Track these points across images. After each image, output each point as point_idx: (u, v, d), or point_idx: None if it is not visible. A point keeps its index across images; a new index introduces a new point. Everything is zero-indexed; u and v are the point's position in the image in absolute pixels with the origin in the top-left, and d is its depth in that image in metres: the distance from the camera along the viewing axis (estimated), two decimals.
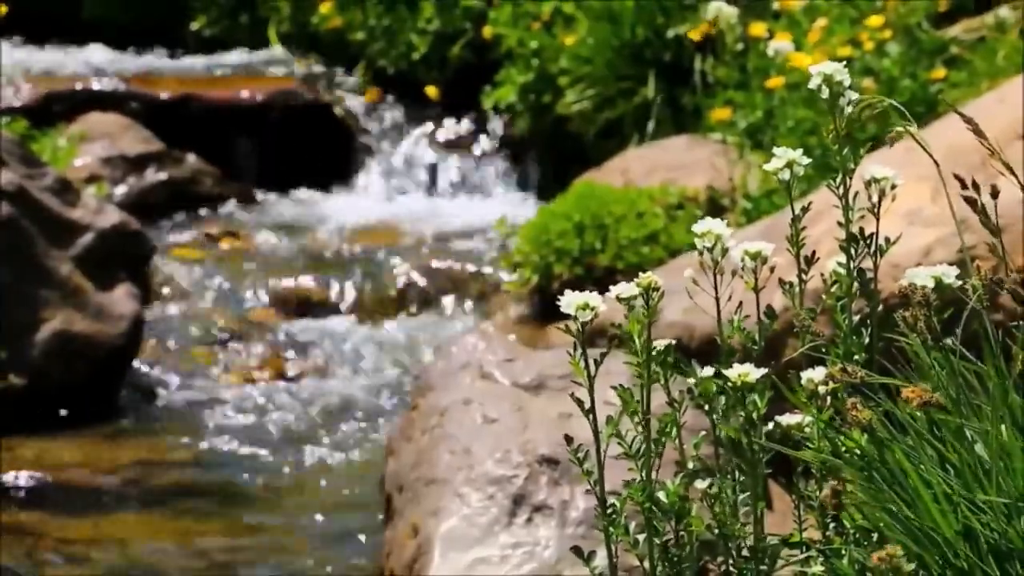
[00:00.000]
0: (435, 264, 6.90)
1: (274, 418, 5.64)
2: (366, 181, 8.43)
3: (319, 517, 4.84)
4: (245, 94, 8.56)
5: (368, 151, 8.53)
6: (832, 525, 2.17)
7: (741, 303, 2.25)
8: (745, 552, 2.28)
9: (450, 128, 8.59)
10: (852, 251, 2.26)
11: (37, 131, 7.66)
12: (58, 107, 8.12)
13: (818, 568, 2.16)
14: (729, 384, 2.22)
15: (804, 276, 2.26)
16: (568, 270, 6.09)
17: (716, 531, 2.27)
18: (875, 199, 2.27)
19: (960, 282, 2.10)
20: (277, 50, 9.46)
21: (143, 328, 5.85)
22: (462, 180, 8.36)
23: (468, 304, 6.67)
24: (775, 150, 2.28)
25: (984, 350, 2.00)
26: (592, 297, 2.22)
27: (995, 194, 2.08)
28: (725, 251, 2.24)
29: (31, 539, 4.63)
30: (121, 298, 5.75)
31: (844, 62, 2.25)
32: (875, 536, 1.98)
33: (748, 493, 2.27)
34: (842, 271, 2.27)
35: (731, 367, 2.23)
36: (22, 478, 5.03)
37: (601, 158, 7.12)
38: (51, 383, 5.49)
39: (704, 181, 6.42)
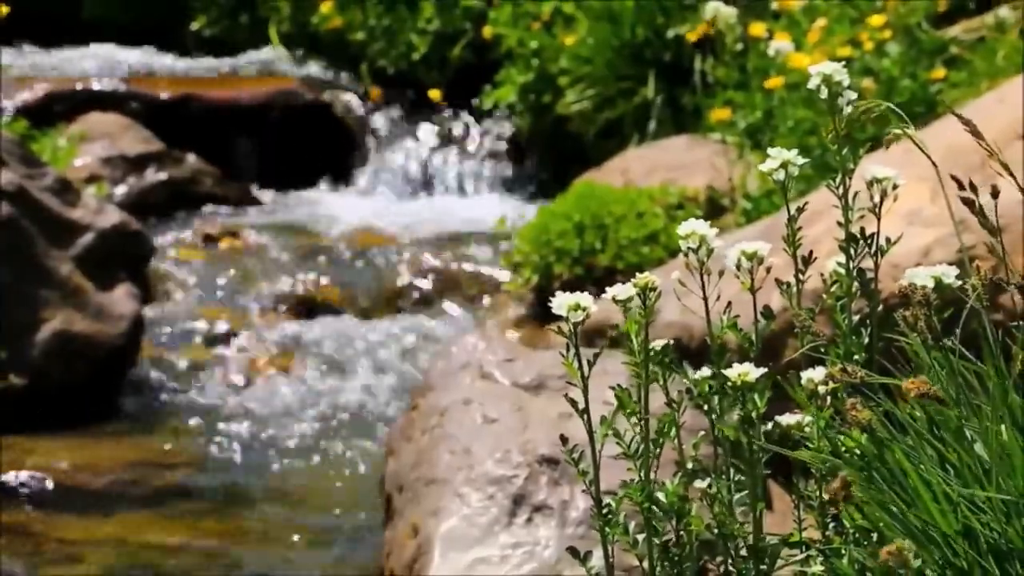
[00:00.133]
0: (435, 264, 6.90)
1: (274, 418, 5.65)
2: (366, 181, 8.43)
3: (319, 517, 4.84)
4: (245, 94, 8.56)
5: (368, 151, 8.53)
6: (832, 525, 2.17)
7: (730, 303, 2.25)
8: (744, 552, 2.28)
9: (450, 128, 8.59)
10: (852, 251, 2.26)
11: (37, 131, 7.66)
12: (58, 107, 8.12)
13: (818, 568, 2.16)
14: (728, 384, 2.22)
15: (801, 276, 2.26)
16: (568, 270, 6.09)
17: (715, 531, 2.27)
18: (876, 199, 2.27)
19: (960, 282, 2.10)
20: (278, 51, 9.46)
21: (143, 328, 5.85)
22: (462, 180, 8.36)
23: (468, 304, 6.67)
24: (770, 151, 2.27)
25: (984, 350, 2.00)
26: (583, 298, 2.22)
27: (995, 194, 2.08)
28: (711, 252, 2.23)
29: (31, 539, 4.63)
30: (121, 298, 5.75)
31: (844, 62, 2.25)
32: (875, 536, 1.99)
33: (747, 493, 2.27)
34: (842, 271, 2.27)
35: (726, 367, 2.23)
36: (22, 478, 5.03)
37: (601, 158, 7.12)
38: (51, 383, 5.49)
39: (704, 181, 6.43)
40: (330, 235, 7.47)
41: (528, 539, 3.63)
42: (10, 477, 5.03)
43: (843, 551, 2.08)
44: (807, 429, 2.21)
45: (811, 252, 2.26)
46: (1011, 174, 2.10)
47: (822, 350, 2.23)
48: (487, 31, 8.41)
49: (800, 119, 6.27)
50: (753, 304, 2.27)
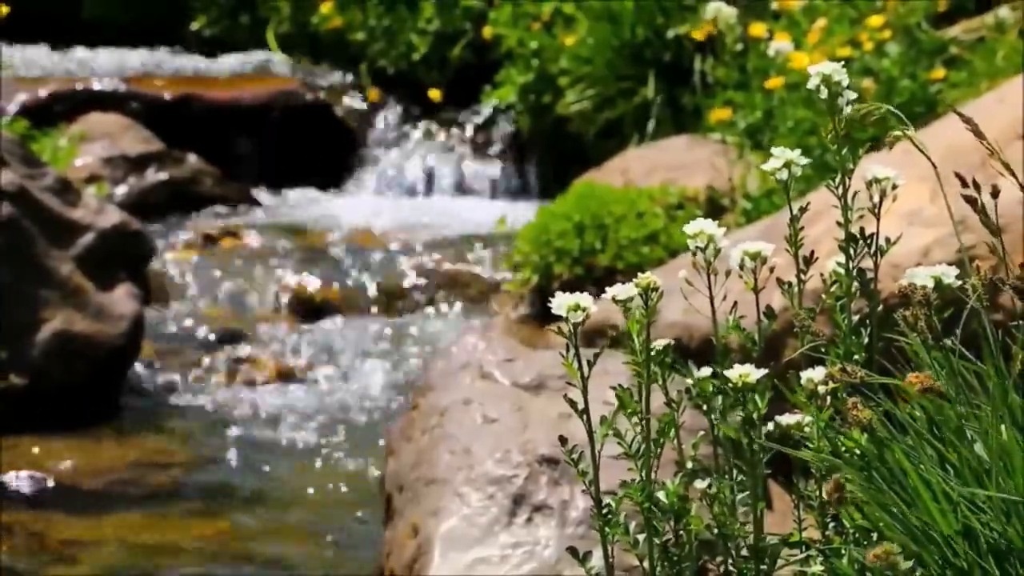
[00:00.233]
0: (435, 264, 6.90)
1: (274, 418, 5.65)
2: (366, 181, 8.43)
3: (319, 517, 4.84)
4: (245, 94, 8.57)
5: (368, 151, 8.54)
6: (832, 525, 2.17)
7: (736, 303, 2.25)
8: (744, 552, 2.28)
9: (450, 128, 8.59)
10: (852, 251, 2.26)
11: (38, 131, 7.67)
12: (59, 107, 8.13)
13: (818, 568, 2.16)
14: (729, 384, 2.22)
15: (803, 276, 2.27)
16: (568, 270, 6.09)
17: (715, 531, 2.27)
18: (875, 199, 2.27)
19: (960, 282, 2.10)
20: (277, 56, 9.45)
21: (143, 328, 5.85)
22: (462, 180, 8.36)
23: (468, 304, 6.67)
24: (773, 150, 2.28)
25: (984, 350, 2.00)
26: (583, 298, 2.22)
27: (995, 194, 2.08)
28: (718, 251, 2.24)
29: (31, 539, 4.63)
30: (121, 298, 5.75)
31: (843, 62, 2.25)
32: (875, 535, 1.99)
33: (747, 493, 2.27)
34: (842, 271, 2.27)
35: (729, 367, 2.23)
36: (22, 478, 5.04)
37: (601, 158, 7.12)
38: (51, 383, 5.49)
39: (704, 181, 6.43)
40: (330, 235, 7.47)
41: (528, 539, 3.63)
42: (10, 477, 5.03)
43: (843, 551, 2.08)
44: (807, 429, 2.22)
45: (812, 252, 2.27)
46: (1012, 173, 2.10)
47: (823, 350, 2.24)
48: (487, 31, 8.41)
49: (800, 119, 6.27)
50: (756, 304, 2.27)
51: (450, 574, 3.59)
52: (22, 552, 4.54)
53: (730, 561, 2.27)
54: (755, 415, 2.22)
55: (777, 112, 6.43)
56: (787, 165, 2.26)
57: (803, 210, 2.27)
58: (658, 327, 2.28)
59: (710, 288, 2.24)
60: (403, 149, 8.51)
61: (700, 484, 2.30)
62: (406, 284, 6.79)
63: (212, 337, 6.28)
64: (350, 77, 9.04)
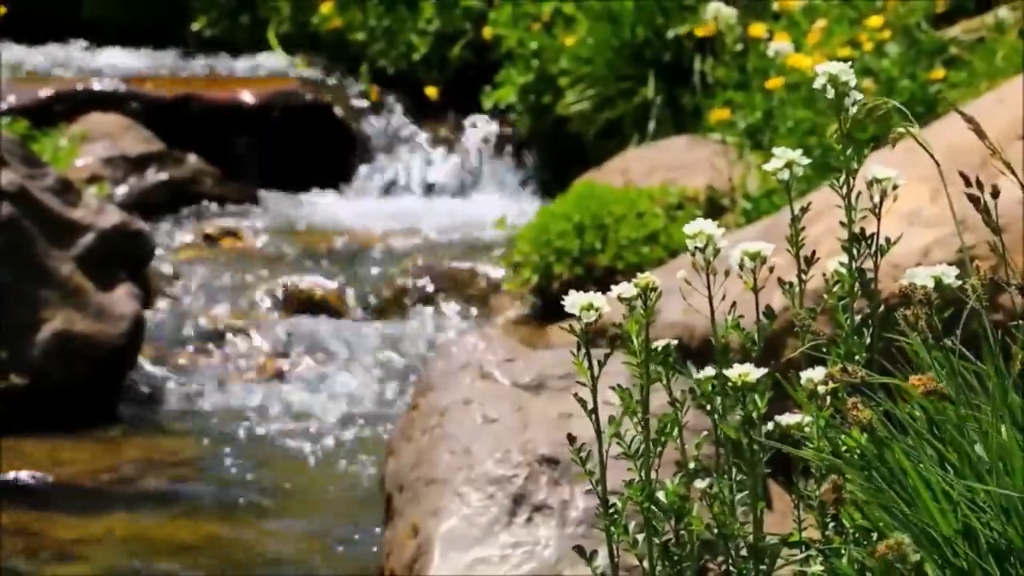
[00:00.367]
0: (435, 264, 6.90)
1: (274, 418, 5.65)
2: (366, 181, 8.43)
3: (319, 517, 4.84)
4: (246, 94, 8.56)
5: (368, 151, 8.54)
6: (832, 524, 2.17)
7: (735, 303, 2.25)
8: (745, 552, 2.28)
9: (450, 128, 8.59)
10: (854, 251, 2.26)
11: (38, 131, 7.66)
12: (59, 107, 8.12)
13: (818, 567, 2.17)
14: (728, 384, 2.22)
15: (804, 276, 2.27)
16: (568, 270, 6.10)
17: (716, 531, 2.27)
18: (876, 199, 2.27)
19: (960, 282, 2.10)
20: (278, 53, 9.45)
21: (143, 328, 5.85)
22: (462, 180, 8.36)
23: (468, 304, 6.67)
24: (774, 150, 2.28)
25: (984, 350, 2.00)
26: (596, 297, 2.22)
27: (996, 194, 2.08)
28: (717, 252, 2.24)
29: (31, 539, 4.63)
30: (122, 298, 5.75)
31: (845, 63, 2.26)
32: (875, 535, 1.99)
33: (748, 492, 2.27)
34: (843, 271, 2.27)
35: (728, 367, 2.23)
36: (22, 478, 5.04)
37: (601, 158, 7.12)
38: (51, 383, 5.49)
39: (704, 181, 6.43)
40: (331, 235, 7.47)
41: (528, 539, 3.64)
42: (10, 477, 5.03)
43: (843, 551, 2.08)
44: (807, 429, 2.22)
45: (813, 252, 2.27)
46: (1013, 173, 2.10)
47: (823, 350, 2.24)
48: (487, 31, 8.41)
49: (800, 119, 6.27)
50: (755, 304, 2.27)
51: (450, 574, 3.59)
52: (22, 552, 4.54)
53: (730, 561, 2.27)
54: (755, 414, 2.23)
55: (777, 112, 6.44)
56: (789, 165, 2.26)
57: (804, 210, 2.28)
58: (658, 327, 2.29)
59: (709, 288, 2.24)
60: (403, 149, 8.51)
61: (700, 484, 2.30)
62: (406, 284, 6.78)
63: (212, 337, 6.28)
64: (350, 77, 9.04)
